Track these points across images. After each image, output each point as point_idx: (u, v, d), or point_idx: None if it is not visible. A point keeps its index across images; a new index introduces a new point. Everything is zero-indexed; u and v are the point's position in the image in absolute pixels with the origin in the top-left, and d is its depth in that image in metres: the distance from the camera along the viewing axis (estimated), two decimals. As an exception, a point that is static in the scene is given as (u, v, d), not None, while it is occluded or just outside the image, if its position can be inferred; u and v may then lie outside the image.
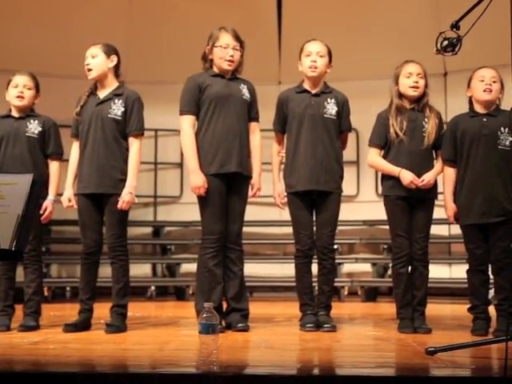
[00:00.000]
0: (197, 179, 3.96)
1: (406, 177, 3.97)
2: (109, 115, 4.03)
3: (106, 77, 4.10)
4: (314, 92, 4.16)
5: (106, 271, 4.22)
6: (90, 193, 4.03)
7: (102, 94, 4.10)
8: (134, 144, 4.07)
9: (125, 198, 3.97)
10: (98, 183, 4.01)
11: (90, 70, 4.07)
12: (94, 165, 4.02)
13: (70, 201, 4.10)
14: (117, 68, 4.14)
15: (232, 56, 4.04)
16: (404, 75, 4.06)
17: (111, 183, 4.01)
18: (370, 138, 4.18)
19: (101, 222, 4.08)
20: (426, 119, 4.05)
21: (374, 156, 4.14)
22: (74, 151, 4.16)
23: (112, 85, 4.12)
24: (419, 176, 3.99)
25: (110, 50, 4.11)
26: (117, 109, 4.04)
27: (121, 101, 4.06)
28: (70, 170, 4.15)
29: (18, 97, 4.16)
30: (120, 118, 4.04)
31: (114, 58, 4.11)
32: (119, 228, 4.06)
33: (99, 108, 4.06)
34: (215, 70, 4.10)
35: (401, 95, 4.08)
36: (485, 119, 3.95)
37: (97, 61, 4.07)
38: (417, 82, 4.03)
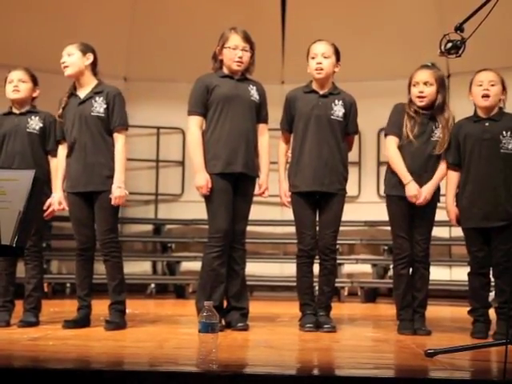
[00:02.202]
0: (200, 179, 3.97)
1: (411, 189, 3.95)
2: (92, 113, 4.04)
3: (83, 74, 4.10)
4: (321, 93, 4.15)
5: (102, 268, 4.23)
6: (81, 191, 4.05)
7: (82, 93, 4.11)
8: (118, 139, 4.08)
9: (115, 193, 3.98)
10: (88, 181, 4.02)
11: (66, 67, 4.08)
12: (81, 164, 4.03)
13: (60, 203, 4.11)
14: (94, 66, 4.14)
15: (241, 57, 4.04)
16: (412, 84, 4.04)
17: (100, 180, 4.02)
18: (387, 127, 4.14)
19: (92, 218, 4.09)
20: (436, 124, 4.02)
21: (394, 148, 4.03)
22: (60, 154, 4.16)
23: (91, 83, 4.12)
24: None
25: (85, 49, 4.11)
26: (99, 106, 4.05)
27: (102, 98, 4.06)
28: (58, 172, 4.15)
29: (13, 91, 4.18)
30: (103, 114, 4.05)
31: (90, 56, 4.11)
32: (110, 224, 4.06)
33: (81, 108, 4.06)
34: (225, 70, 4.10)
35: (412, 102, 4.06)
36: (487, 123, 3.93)
37: (72, 59, 4.08)
38: (421, 92, 3.99)
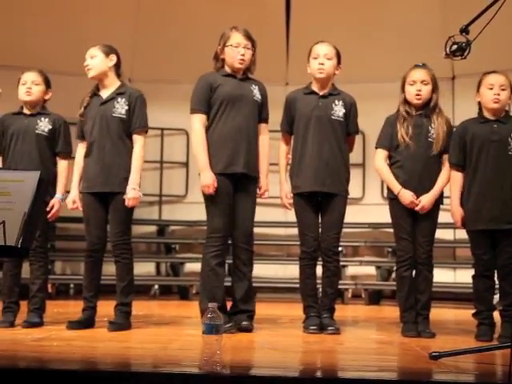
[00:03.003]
0: (206, 177, 3.96)
1: (406, 197, 3.96)
2: (113, 114, 4.04)
3: (107, 76, 4.11)
4: (321, 94, 4.15)
5: (110, 269, 4.23)
6: (96, 191, 4.04)
7: (105, 93, 4.11)
8: (137, 141, 4.08)
9: (129, 194, 3.98)
10: (104, 182, 4.02)
11: (89, 69, 4.09)
12: (100, 164, 4.03)
13: (74, 202, 4.11)
14: (117, 67, 4.15)
15: (243, 55, 4.04)
16: (408, 83, 4.05)
17: (117, 181, 4.02)
18: (377, 140, 4.16)
19: (105, 220, 4.09)
20: (432, 125, 4.02)
21: (381, 161, 4.10)
22: (79, 153, 4.17)
23: (114, 84, 4.12)
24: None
25: (108, 50, 4.12)
26: (120, 107, 4.05)
27: (124, 99, 4.06)
28: (75, 171, 4.16)
29: (26, 93, 4.19)
30: (125, 116, 4.05)
31: (114, 57, 4.12)
32: (123, 226, 4.07)
33: (103, 108, 4.07)
34: (227, 69, 4.10)
35: (407, 102, 4.07)
36: (495, 125, 3.93)
37: (95, 61, 4.08)
38: (419, 90, 4.01)
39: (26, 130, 4.19)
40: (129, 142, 4.08)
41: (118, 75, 4.16)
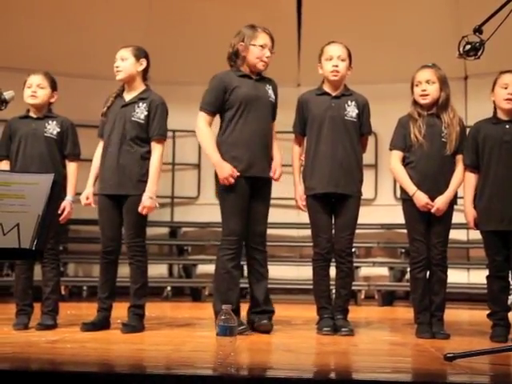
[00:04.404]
0: (224, 169, 3.93)
1: (421, 199, 3.93)
2: (132, 118, 4.04)
3: (134, 80, 4.12)
4: (334, 94, 4.14)
5: (125, 271, 4.24)
6: (111, 194, 4.05)
7: (128, 96, 4.12)
8: (155, 149, 4.08)
9: (145, 203, 3.98)
10: (118, 184, 4.02)
11: (118, 71, 4.10)
12: (114, 166, 4.03)
13: (87, 198, 4.12)
14: (145, 71, 4.16)
15: (268, 57, 4.03)
16: (414, 84, 4.04)
17: (131, 184, 4.02)
18: (391, 141, 4.14)
19: (119, 222, 4.09)
20: (444, 125, 4.00)
21: (396, 162, 4.07)
22: (98, 151, 4.19)
23: (139, 88, 4.13)
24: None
25: (139, 54, 4.12)
26: (140, 112, 4.05)
27: (145, 105, 4.07)
28: (92, 168, 4.18)
29: (31, 96, 4.19)
30: (143, 121, 4.05)
31: (144, 62, 4.13)
32: (136, 228, 4.07)
33: (123, 110, 4.08)
34: (244, 68, 4.07)
35: (417, 103, 4.05)
36: (507, 126, 3.91)
37: (126, 63, 4.09)
38: (424, 90, 3.98)
39: (34, 133, 4.20)
40: (145, 147, 4.07)
41: (145, 79, 4.17)
